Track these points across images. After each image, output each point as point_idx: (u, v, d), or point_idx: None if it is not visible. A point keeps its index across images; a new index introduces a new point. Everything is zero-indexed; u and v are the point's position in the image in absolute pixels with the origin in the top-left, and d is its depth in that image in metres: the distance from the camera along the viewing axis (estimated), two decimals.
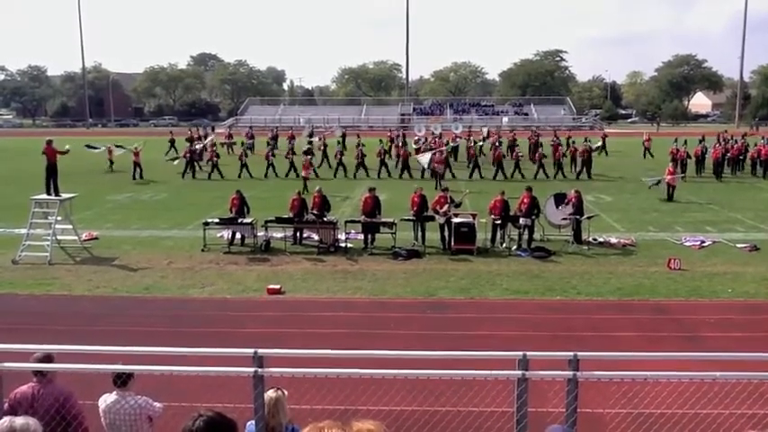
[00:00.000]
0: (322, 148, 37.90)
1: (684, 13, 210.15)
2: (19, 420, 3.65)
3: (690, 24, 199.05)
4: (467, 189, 24.35)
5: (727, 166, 33.97)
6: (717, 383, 6.06)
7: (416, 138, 40.18)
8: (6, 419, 3.69)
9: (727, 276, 15.10)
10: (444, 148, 33.57)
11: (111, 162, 37.01)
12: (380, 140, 36.45)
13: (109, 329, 11.55)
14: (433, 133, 41.42)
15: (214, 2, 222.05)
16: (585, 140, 35.09)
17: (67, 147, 18.47)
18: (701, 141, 35.93)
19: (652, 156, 39.15)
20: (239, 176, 32.12)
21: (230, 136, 48.71)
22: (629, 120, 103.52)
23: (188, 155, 34.53)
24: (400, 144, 37.31)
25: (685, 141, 34.44)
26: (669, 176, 26.10)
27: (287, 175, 32.41)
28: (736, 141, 36.63)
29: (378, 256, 17.13)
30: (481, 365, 4.62)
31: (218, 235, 18.82)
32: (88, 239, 18.67)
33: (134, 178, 32.68)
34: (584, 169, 32.79)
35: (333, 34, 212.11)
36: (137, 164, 33.15)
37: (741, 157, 35.12)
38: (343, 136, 43.44)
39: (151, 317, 12.55)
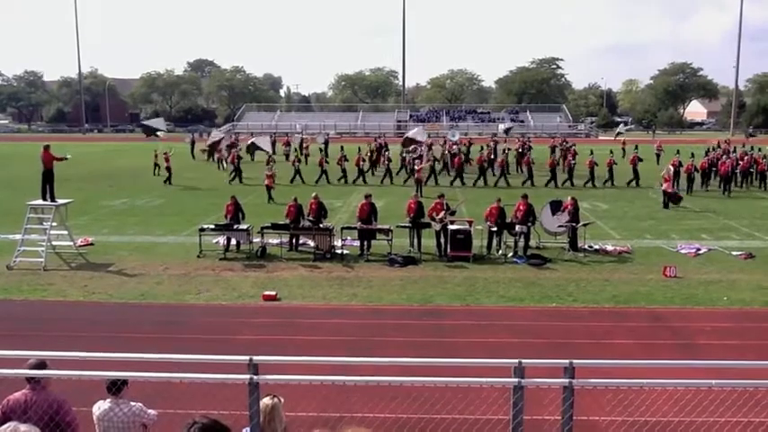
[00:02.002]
0: (306, 153, 38.20)
1: (681, 22, 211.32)
2: (23, 428, 3.66)
3: (686, 34, 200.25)
4: (462, 197, 24.40)
5: (736, 180, 31.56)
6: (712, 391, 6.06)
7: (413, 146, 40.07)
8: (11, 425, 3.69)
9: (723, 284, 15.12)
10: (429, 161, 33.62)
11: (157, 165, 37.02)
12: (359, 148, 36.10)
13: (104, 336, 11.50)
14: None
15: (211, 8, 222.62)
16: (636, 148, 35.07)
17: (69, 155, 18.36)
18: (707, 153, 34.41)
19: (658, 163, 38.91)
20: (292, 181, 32.46)
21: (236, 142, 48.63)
22: (626, 127, 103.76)
23: (235, 160, 34.76)
24: (384, 152, 37.14)
25: (692, 154, 31.98)
26: (666, 184, 26.15)
27: (292, 181, 32.52)
28: (746, 153, 34.65)
29: (374, 263, 17.12)
30: (477, 373, 4.62)
31: (214, 241, 18.78)
32: (83, 245, 18.63)
33: (166, 182, 33.00)
34: (635, 178, 32.26)
35: (330, 41, 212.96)
36: (168, 168, 33.44)
37: (751, 170, 32.69)
38: (326, 143, 43.44)
39: (146, 323, 12.51)
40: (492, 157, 36.08)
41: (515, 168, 36.37)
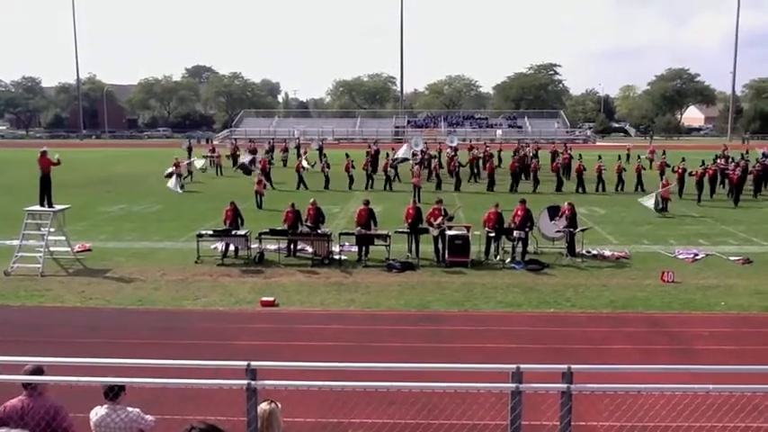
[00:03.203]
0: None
1: (679, 28, 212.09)
2: None
3: (684, 39, 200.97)
4: (459, 203, 24.42)
5: (746, 188, 30.39)
6: (710, 396, 6.06)
7: (412, 152, 39.97)
8: (3, 430, 3.69)
9: (720, 289, 15.14)
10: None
11: (191, 173, 37.25)
12: (346, 154, 35.85)
13: (101, 341, 11.47)
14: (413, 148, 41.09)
15: (209, 14, 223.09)
16: (638, 157, 34.96)
17: (57, 156, 18.28)
18: (715, 161, 33.40)
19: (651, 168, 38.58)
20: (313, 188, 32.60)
21: (236, 148, 48.73)
22: (623, 133, 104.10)
23: (266, 166, 34.92)
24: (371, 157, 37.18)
25: (702, 162, 31.04)
26: (662, 189, 26.17)
27: (326, 187, 32.84)
28: (757, 161, 33.46)
29: (372, 269, 17.10)
30: (475, 378, 4.62)
31: (212, 247, 18.76)
32: (81, 251, 18.60)
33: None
34: (639, 184, 32.05)
35: (328, 47, 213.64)
36: (178, 175, 33.42)
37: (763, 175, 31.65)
38: (320, 149, 43.41)
39: (144, 329, 12.48)
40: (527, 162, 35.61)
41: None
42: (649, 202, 25.41)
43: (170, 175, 32.26)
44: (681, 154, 36.99)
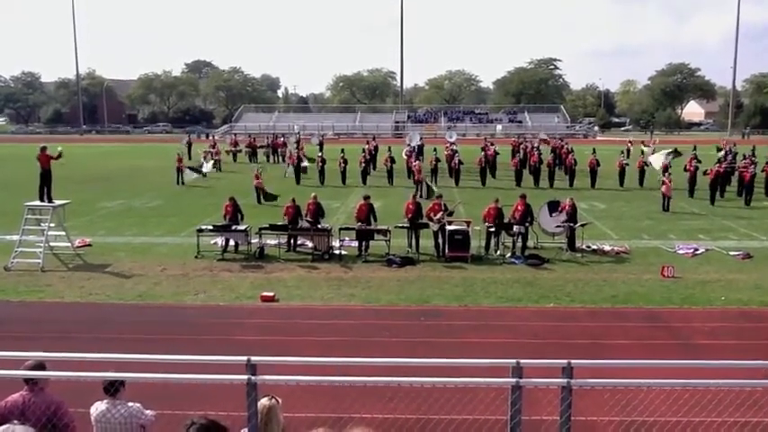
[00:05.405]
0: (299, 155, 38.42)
1: (679, 23, 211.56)
2: (19, 429, 3.66)
3: (684, 34, 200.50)
4: (459, 198, 24.40)
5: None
6: (710, 391, 6.06)
7: (408, 147, 39.88)
8: (6, 427, 3.70)
9: (721, 284, 15.14)
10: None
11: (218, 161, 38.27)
12: (343, 150, 35.51)
13: (101, 337, 11.48)
14: (408, 145, 40.79)
15: (209, 9, 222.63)
16: (642, 154, 34.79)
17: (60, 149, 18.15)
18: (726, 157, 32.18)
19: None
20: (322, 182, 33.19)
21: (236, 143, 48.70)
22: (623, 128, 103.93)
23: (295, 161, 35.14)
24: (367, 154, 37.17)
25: (718, 160, 29.82)
26: (664, 187, 25.86)
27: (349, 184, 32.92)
28: None
29: (372, 264, 17.11)
30: (475, 373, 4.62)
31: (212, 242, 18.76)
32: (81, 246, 18.60)
33: (177, 183, 33.47)
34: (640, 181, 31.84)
35: (328, 42, 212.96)
36: (180, 170, 33.83)
37: None
38: (321, 144, 43.36)
39: (144, 324, 12.49)
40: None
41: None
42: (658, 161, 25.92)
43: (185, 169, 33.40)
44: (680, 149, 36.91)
